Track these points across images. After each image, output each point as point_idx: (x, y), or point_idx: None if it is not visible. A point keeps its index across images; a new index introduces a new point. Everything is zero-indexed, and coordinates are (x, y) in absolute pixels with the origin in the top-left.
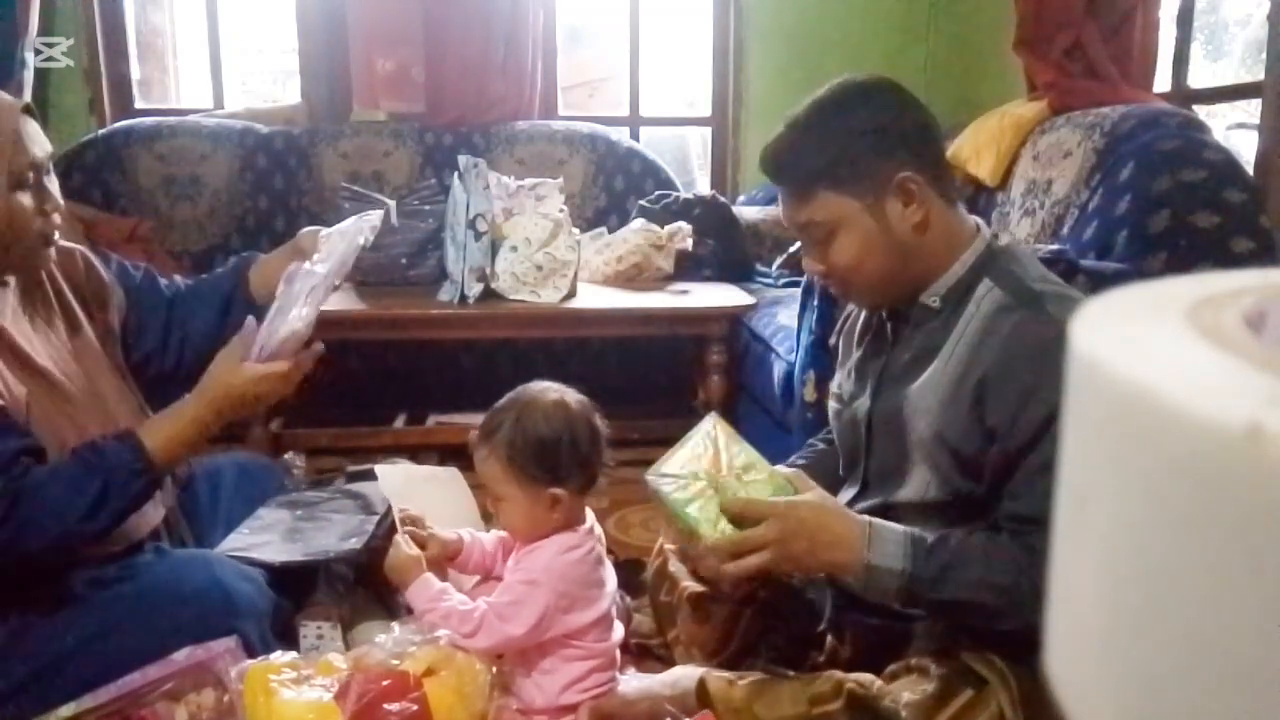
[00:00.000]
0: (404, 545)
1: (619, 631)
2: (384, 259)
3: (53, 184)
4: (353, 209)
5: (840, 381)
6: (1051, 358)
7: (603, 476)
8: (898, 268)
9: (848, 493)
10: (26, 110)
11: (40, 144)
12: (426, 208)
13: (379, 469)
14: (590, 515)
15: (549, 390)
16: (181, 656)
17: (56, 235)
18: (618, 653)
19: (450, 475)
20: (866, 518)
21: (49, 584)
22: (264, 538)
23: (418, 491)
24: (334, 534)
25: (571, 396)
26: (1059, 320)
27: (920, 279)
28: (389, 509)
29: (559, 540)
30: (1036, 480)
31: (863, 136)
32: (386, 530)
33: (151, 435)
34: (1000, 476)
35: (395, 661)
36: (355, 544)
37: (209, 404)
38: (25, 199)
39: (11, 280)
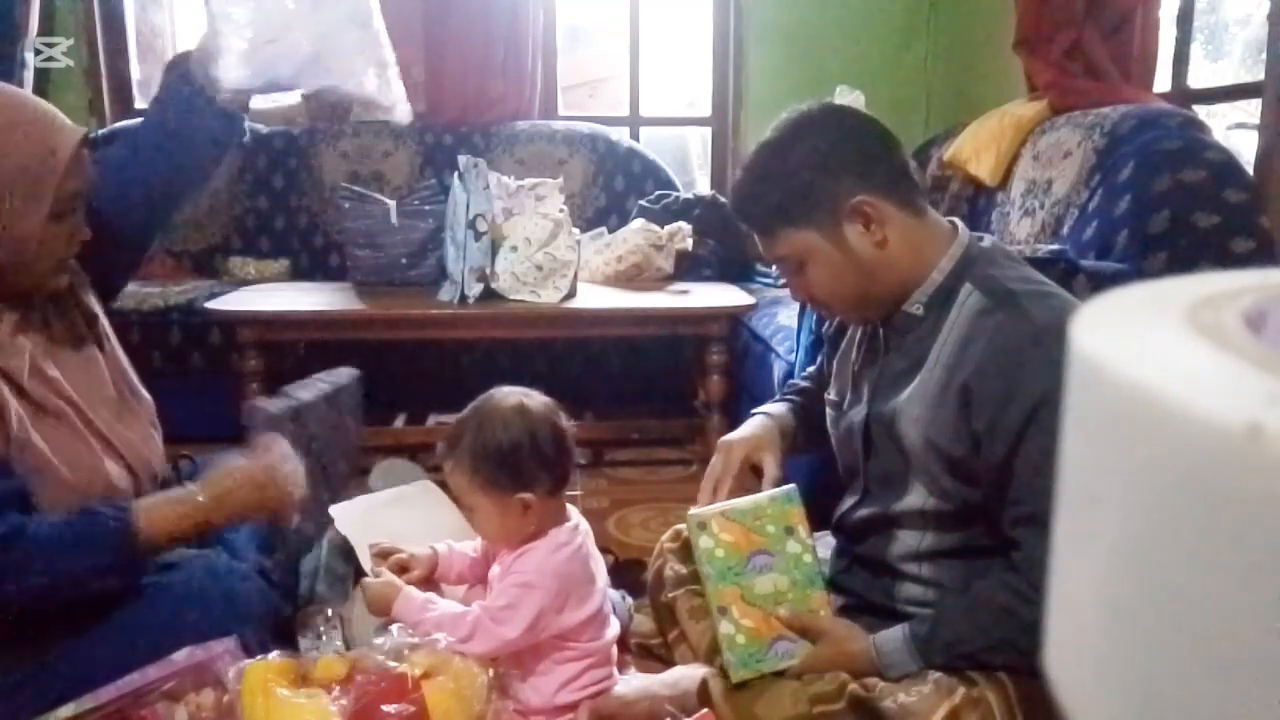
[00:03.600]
0: (372, 578)
1: (614, 628)
2: (384, 259)
3: (82, 214)
4: (353, 209)
5: (835, 389)
6: (1030, 357)
7: (602, 478)
8: (871, 286)
9: (848, 500)
10: (89, 141)
11: (90, 173)
12: (426, 208)
13: (334, 511)
14: (575, 512)
15: (509, 396)
16: (181, 656)
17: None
18: (614, 649)
19: (420, 490)
20: (866, 639)
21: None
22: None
23: (384, 520)
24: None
25: (534, 400)
26: (1037, 319)
27: (898, 290)
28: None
29: (549, 540)
30: (1035, 479)
31: (807, 171)
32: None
33: (149, 522)
34: (997, 482)
35: (393, 663)
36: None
37: (214, 502)
38: (61, 228)
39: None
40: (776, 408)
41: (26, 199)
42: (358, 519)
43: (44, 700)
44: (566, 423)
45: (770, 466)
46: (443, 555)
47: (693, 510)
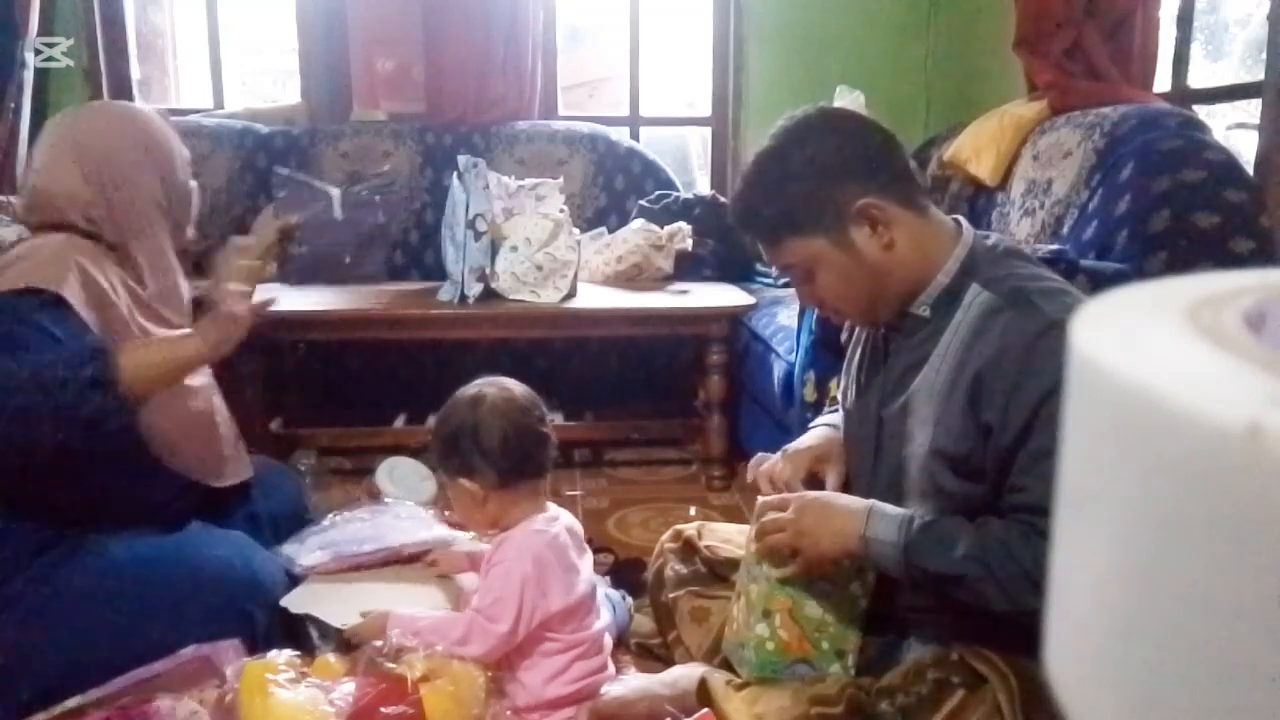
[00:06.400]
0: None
1: (603, 620)
2: (323, 252)
3: None
4: (289, 198)
5: (844, 388)
6: (1041, 348)
7: (602, 477)
8: (880, 288)
9: None
10: None
11: None
12: (376, 198)
13: (285, 602)
14: (554, 507)
15: (476, 385)
16: (186, 653)
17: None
18: (608, 640)
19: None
20: (871, 501)
21: (90, 556)
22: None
23: (340, 590)
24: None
25: (500, 393)
26: (1049, 313)
27: (908, 291)
28: None
29: (523, 527)
30: (1036, 469)
31: (809, 178)
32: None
33: (129, 347)
34: (1002, 472)
35: (392, 665)
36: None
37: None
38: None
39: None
40: (836, 417)
41: (186, 166)
42: (313, 593)
43: (71, 674)
44: (528, 420)
45: (831, 479)
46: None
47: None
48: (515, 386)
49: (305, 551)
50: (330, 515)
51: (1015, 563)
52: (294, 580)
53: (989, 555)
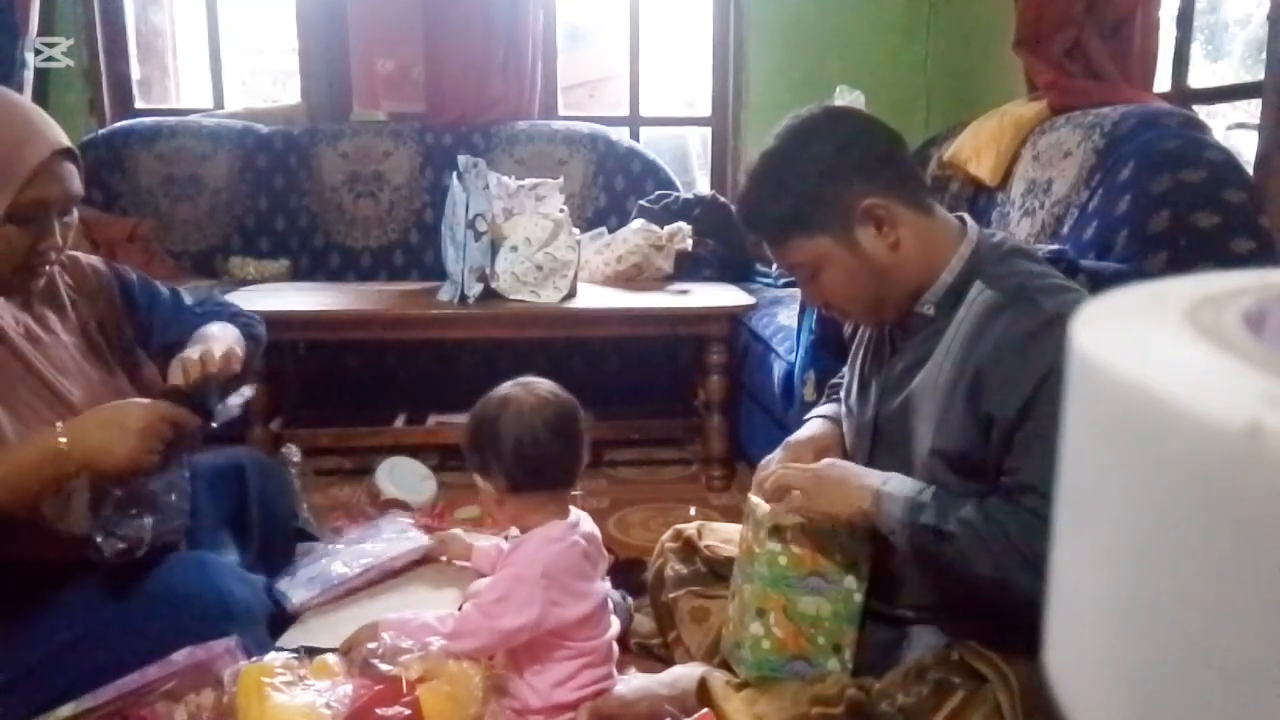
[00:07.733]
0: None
1: (614, 628)
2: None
3: (65, 226)
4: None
5: (847, 384)
6: (1039, 340)
7: (602, 477)
8: (885, 288)
9: None
10: (69, 154)
11: (66, 185)
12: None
13: (284, 642)
14: (576, 512)
15: (512, 385)
16: (181, 657)
17: (45, 269)
18: (615, 648)
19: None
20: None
21: (42, 584)
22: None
23: (346, 615)
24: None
25: (531, 398)
26: (1048, 309)
27: (913, 290)
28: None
29: (541, 532)
30: (1030, 449)
31: (815, 177)
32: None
33: None
34: (1002, 460)
35: (388, 667)
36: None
37: (69, 424)
38: (16, 231)
39: None
40: (832, 409)
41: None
42: (306, 629)
43: (35, 699)
44: (549, 433)
45: None
46: (481, 549)
47: (774, 507)
48: (547, 393)
49: (295, 586)
50: (318, 546)
51: (1005, 534)
52: (284, 615)
53: (981, 523)
